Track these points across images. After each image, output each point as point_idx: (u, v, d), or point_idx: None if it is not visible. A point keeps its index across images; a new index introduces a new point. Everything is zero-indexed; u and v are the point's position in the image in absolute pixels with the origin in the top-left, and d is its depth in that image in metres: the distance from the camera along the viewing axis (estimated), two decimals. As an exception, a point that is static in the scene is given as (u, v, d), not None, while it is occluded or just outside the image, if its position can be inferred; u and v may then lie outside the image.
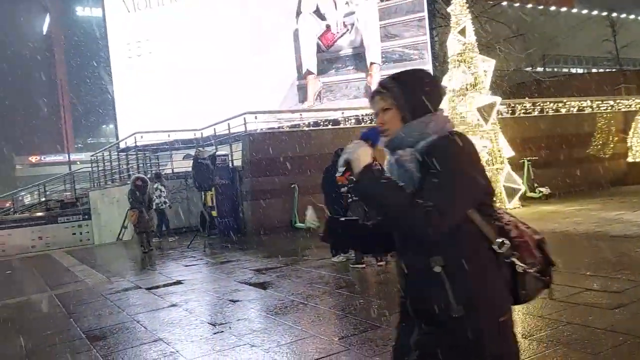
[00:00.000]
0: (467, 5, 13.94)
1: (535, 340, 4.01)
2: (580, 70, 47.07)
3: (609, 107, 18.74)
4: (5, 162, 58.36)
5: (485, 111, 12.95)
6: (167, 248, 12.06)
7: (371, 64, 18.85)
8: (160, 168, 17.55)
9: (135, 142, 16.71)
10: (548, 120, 17.03)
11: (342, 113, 16.00)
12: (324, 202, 7.92)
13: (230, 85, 18.73)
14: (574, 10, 48.50)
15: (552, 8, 41.80)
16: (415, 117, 1.76)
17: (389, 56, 18.94)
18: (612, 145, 18.06)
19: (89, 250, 14.45)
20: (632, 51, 35.31)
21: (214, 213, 13.21)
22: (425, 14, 18.81)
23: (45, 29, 68.70)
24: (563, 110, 17.76)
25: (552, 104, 17.66)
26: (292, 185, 12.62)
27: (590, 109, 18.33)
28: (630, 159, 18.09)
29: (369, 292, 6.31)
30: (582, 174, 16.46)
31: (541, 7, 38.06)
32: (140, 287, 7.67)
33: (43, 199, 21.61)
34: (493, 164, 12.94)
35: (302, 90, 19.38)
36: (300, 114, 15.67)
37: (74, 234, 17.84)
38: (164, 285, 7.62)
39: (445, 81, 14.07)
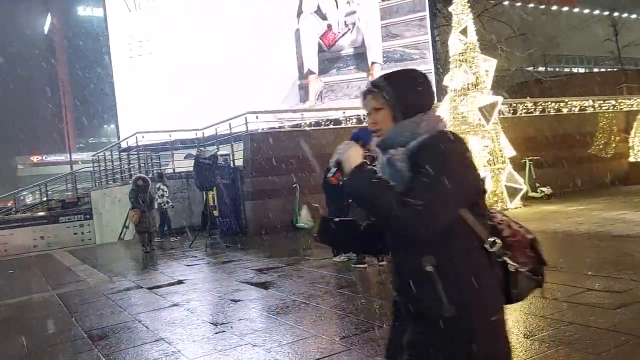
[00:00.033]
0: (469, 4, 13.92)
1: (537, 340, 4.01)
2: (581, 70, 47.07)
3: (611, 107, 18.72)
4: (7, 161, 58.46)
5: (486, 111, 12.95)
6: (169, 248, 12.07)
7: (372, 63, 18.85)
8: (162, 168, 17.55)
9: (137, 142, 16.72)
10: (550, 120, 17.02)
11: (344, 113, 15.99)
12: (325, 203, 7.91)
13: (232, 85, 18.72)
14: (576, 10, 48.47)
15: (554, 7, 41.79)
16: (406, 117, 1.76)
17: (390, 56, 18.94)
18: (613, 145, 18.03)
19: (91, 250, 14.46)
20: (634, 51, 35.25)
21: (216, 213, 13.22)
22: (427, 13, 18.81)
23: (46, 28, 68.79)
24: (565, 110, 17.74)
25: (553, 104, 17.64)
26: (294, 185, 12.62)
27: (592, 109, 18.32)
28: (632, 159, 18.06)
29: (371, 292, 6.31)
30: (583, 174, 16.44)
31: (543, 6, 38.04)
32: (142, 287, 7.67)
33: (45, 199, 21.65)
34: (494, 164, 12.93)
35: (304, 90, 19.38)
36: (302, 114, 15.67)
37: (76, 233, 17.86)
38: (166, 285, 7.62)
39: (446, 81, 14.07)
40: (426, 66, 18.73)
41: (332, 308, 5.63)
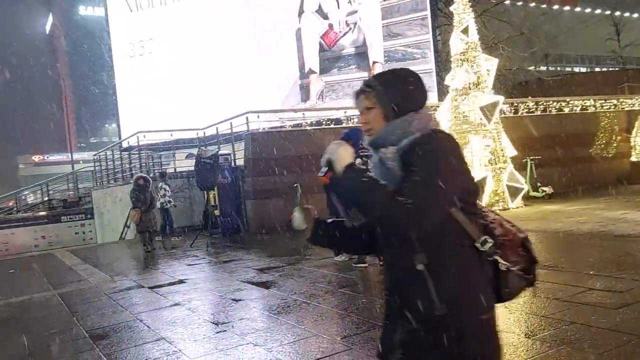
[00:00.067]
0: (470, 4, 13.91)
1: (538, 340, 4.00)
2: (583, 69, 47.04)
3: (612, 106, 18.69)
4: (8, 161, 58.52)
5: (488, 110, 12.93)
6: (170, 247, 12.07)
7: (374, 63, 18.84)
8: (163, 167, 17.56)
9: (138, 142, 16.72)
10: (551, 119, 17.00)
11: (345, 112, 15.98)
12: (326, 203, 7.91)
13: (233, 85, 18.72)
14: (577, 9, 48.44)
15: (555, 7, 41.77)
16: (398, 116, 1.77)
17: (391, 55, 18.93)
18: (615, 145, 18.01)
19: (92, 250, 14.48)
20: (636, 50, 35.22)
21: (217, 212, 13.21)
22: (428, 12, 18.80)
23: (47, 28, 68.84)
24: (566, 110, 17.72)
25: (555, 103, 17.61)
26: (295, 185, 12.62)
27: (594, 108, 18.29)
28: (633, 158, 18.03)
29: (372, 292, 6.30)
30: (585, 174, 16.42)
31: (544, 5, 37.99)
32: (143, 286, 7.67)
33: (46, 198, 21.68)
34: (496, 163, 12.92)
35: (305, 90, 19.37)
36: (303, 113, 15.66)
37: (77, 233, 17.89)
38: (167, 285, 7.62)
39: (448, 80, 14.06)
40: (427, 65, 18.74)
41: (333, 307, 5.63)
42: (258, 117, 14.08)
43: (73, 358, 4.71)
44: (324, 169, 1.76)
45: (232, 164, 13.68)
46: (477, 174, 12.56)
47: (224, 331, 5.04)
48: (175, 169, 16.58)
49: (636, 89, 23.35)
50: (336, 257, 8.12)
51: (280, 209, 12.78)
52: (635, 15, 48.02)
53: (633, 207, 11.28)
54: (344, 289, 6.37)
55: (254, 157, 13.14)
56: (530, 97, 18.23)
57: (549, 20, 34.50)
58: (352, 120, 15.62)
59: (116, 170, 18.70)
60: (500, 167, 12.92)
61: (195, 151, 14.41)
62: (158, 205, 13.05)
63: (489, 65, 13.67)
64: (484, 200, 12.59)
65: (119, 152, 18.89)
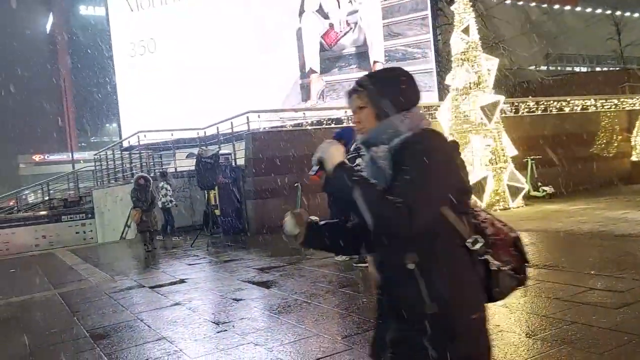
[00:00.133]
0: (471, 3, 13.91)
1: (539, 340, 4.00)
2: (584, 69, 46.97)
3: (613, 106, 18.68)
4: (8, 161, 58.55)
5: (488, 110, 12.93)
6: (171, 247, 12.08)
7: (374, 62, 18.83)
8: (164, 167, 17.56)
9: (139, 141, 16.73)
10: (552, 119, 16.99)
11: (345, 112, 15.96)
12: (327, 203, 7.91)
13: (233, 84, 18.72)
14: (578, 9, 48.35)
15: (556, 6, 41.69)
16: (389, 115, 1.77)
17: (392, 55, 18.92)
18: (616, 144, 18.00)
19: (93, 249, 14.48)
20: (637, 50, 35.14)
21: (217, 212, 13.22)
22: (429, 12, 18.79)
23: (48, 28, 68.86)
24: (567, 109, 17.71)
25: (555, 103, 17.60)
26: (295, 185, 12.62)
27: (594, 108, 18.28)
28: (634, 158, 18.02)
29: (372, 291, 6.29)
30: (586, 173, 16.42)
31: (545, 5, 37.97)
32: (144, 286, 7.67)
33: (47, 198, 21.69)
34: (496, 163, 12.92)
35: (305, 89, 19.37)
36: (304, 113, 15.66)
37: (78, 232, 17.89)
38: (168, 284, 7.62)
39: (448, 80, 14.07)
40: (428, 65, 18.74)
41: (334, 307, 5.62)
42: (259, 116, 14.08)
43: (74, 357, 4.71)
44: (315, 168, 1.76)
45: (233, 164, 13.68)
46: (477, 173, 12.57)
47: (224, 331, 5.04)
48: (175, 169, 16.57)
49: (637, 89, 23.33)
50: (337, 256, 8.12)
51: (281, 208, 12.76)
52: (636, 14, 47.95)
53: (634, 206, 11.28)
54: (345, 288, 6.37)
55: (255, 156, 13.14)
56: (530, 97, 18.24)
57: (549, 20, 34.51)
58: (352, 120, 15.62)
59: (117, 169, 18.70)
60: (500, 167, 12.92)
61: (195, 151, 14.44)
62: (159, 204, 13.08)
63: (490, 64, 13.68)
64: (485, 200, 12.59)
65: (119, 152, 18.90)
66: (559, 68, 43.84)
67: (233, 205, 13.18)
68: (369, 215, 1.64)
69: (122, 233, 15.53)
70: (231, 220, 13.10)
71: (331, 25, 19.25)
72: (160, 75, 20.30)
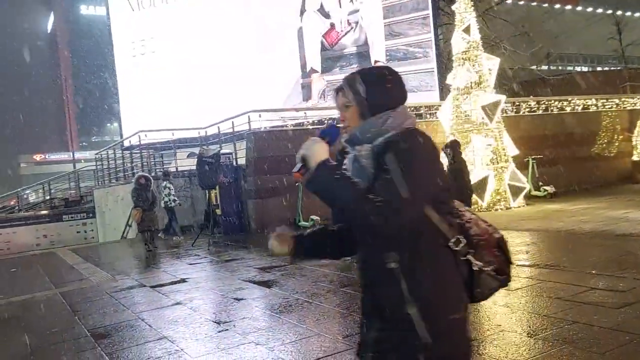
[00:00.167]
0: (472, 3, 13.90)
1: (540, 339, 4.00)
2: (585, 69, 46.96)
3: (614, 106, 18.67)
4: (9, 160, 58.58)
5: (489, 109, 12.93)
6: (172, 246, 12.08)
7: (375, 62, 18.82)
8: (165, 166, 17.57)
9: (140, 141, 16.74)
10: (553, 118, 16.98)
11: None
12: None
13: (234, 84, 18.72)
14: (579, 9, 48.38)
15: (557, 6, 41.69)
16: (374, 114, 1.76)
17: (393, 54, 18.92)
18: (617, 144, 17.99)
19: (94, 249, 14.48)
20: (638, 49, 35.14)
21: (218, 211, 13.22)
22: (430, 12, 18.78)
23: (49, 27, 68.89)
24: (568, 109, 17.70)
25: (556, 102, 17.60)
26: (296, 184, 12.62)
27: (595, 108, 18.27)
28: (635, 158, 18.00)
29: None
30: (587, 173, 16.40)
31: (546, 5, 37.95)
32: (145, 285, 7.68)
33: (48, 197, 21.71)
34: (497, 163, 12.91)
35: (306, 89, 19.37)
36: (305, 113, 15.66)
37: (79, 232, 17.90)
38: (169, 284, 7.62)
39: (449, 79, 14.07)
40: (429, 65, 18.73)
41: (335, 307, 5.62)
42: (260, 116, 14.08)
43: (75, 357, 4.71)
44: (298, 165, 1.75)
45: (234, 163, 13.68)
46: (479, 173, 12.57)
47: (225, 330, 5.04)
48: (176, 168, 16.58)
49: (638, 88, 23.31)
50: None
51: (282, 208, 12.80)
52: (637, 14, 47.96)
53: (635, 206, 11.27)
54: (346, 288, 6.37)
55: (256, 156, 13.14)
56: (531, 96, 18.23)
57: (550, 20, 34.47)
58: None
59: (118, 169, 18.71)
60: (502, 167, 12.91)
61: (196, 150, 14.44)
62: (162, 204, 13.11)
63: (491, 64, 13.67)
64: (486, 200, 12.59)
65: (120, 151, 18.91)
66: (560, 67, 43.84)
67: (234, 204, 13.19)
68: (350, 214, 1.65)
69: (123, 232, 15.54)
70: (232, 220, 13.11)
71: (332, 25, 19.25)
72: (161, 74, 20.31)
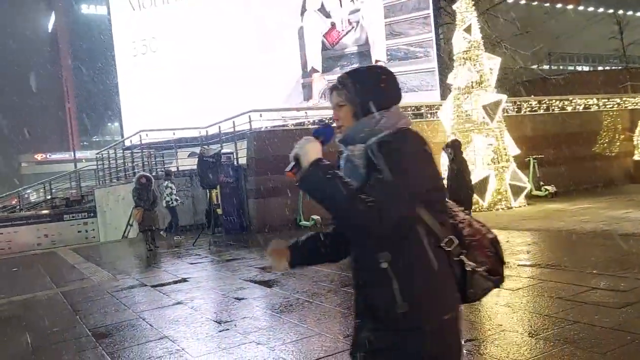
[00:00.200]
0: (473, 2, 13.89)
1: (541, 339, 3.99)
2: (586, 68, 46.94)
3: (615, 105, 18.66)
4: (10, 160, 58.62)
5: (490, 109, 12.92)
6: (173, 246, 12.08)
7: (376, 61, 18.82)
8: (166, 166, 17.58)
9: (141, 140, 16.75)
10: (554, 118, 16.97)
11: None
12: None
13: (235, 83, 18.74)
14: (581, 8, 48.29)
15: (558, 5, 41.68)
16: (367, 113, 1.76)
17: (394, 54, 18.91)
18: (618, 143, 17.97)
19: (95, 248, 14.49)
20: (639, 49, 35.09)
21: (219, 211, 13.23)
22: (431, 11, 18.78)
23: (50, 27, 68.92)
24: (569, 108, 17.68)
25: (558, 102, 17.58)
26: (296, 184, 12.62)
27: (597, 107, 18.25)
28: (636, 157, 17.99)
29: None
30: (588, 172, 16.39)
31: (547, 4, 37.92)
32: (146, 285, 7.68)
33: (49, 197, 21.72)
34: (498, 162, 12.91)
35: (307, 88, 19.37)
36: (305, 112, 15.67)
37: (80, 231, 17.91)
38: (170, 283, 7.63)
39: (450, 79, 14.06)
40: (430, 64, 18.72)
41: (335, 306, 5.62)
42: (260, 115, 14.08)
43: (76, 356, 4.71)
44: (291, 164, 1.74)
45: (235, 163, 13.68)
46: (480, 172, 12.56)
47: (226, 330, 5.04)
48: (177, 168, 16.59)
49: (639, 88, 23.29)
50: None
51: (283, 207, 12.80)
52: (639, 14, 47.87)
53: (636, 206, 11.26)
54: (347, 287, 6.36)
55: (257, 156, 13.14)
56: (533, 96, 18.20)
57: (551, 19, 34.45)
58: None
59: (119, 168, 18.72)
60: (503, 166, 12.91)
61: (197, 150, 14.44)
62: (164, 203, 13.13)
63: (492, 63, 13.66)
64: (487, 199, 12.59)
65: (121, 151, 18.93)
66: (561, 67, 43.81)
67: (235, 204, 13.20)
68: (341, 213, 1.65)
69: (124, 232, 15.55)
70: (233, 219, 13.11)
71: (333, 24, 19.25)
72: (162, 74, 20.32)
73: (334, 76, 19.04)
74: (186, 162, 16.56)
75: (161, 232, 13.13)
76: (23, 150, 60.41)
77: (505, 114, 14.70)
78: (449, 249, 1.71)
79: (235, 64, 19.17)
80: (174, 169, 16.40)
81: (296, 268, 2.05)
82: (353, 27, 19.16)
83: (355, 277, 1.83)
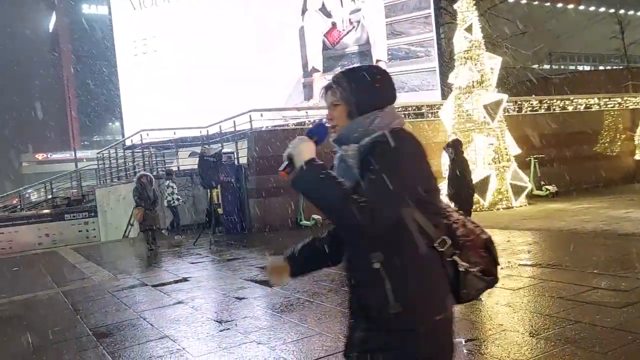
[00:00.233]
0: (474, 2, 13.89)
1: (542, 339, 3.99)
2: (587, 68, 46.90)
3: (616, 105, 18.65)
4: (12, 159, 58.65)
5: (491, 108, 12.91)
6: (173, 245, 12.09)
7: (377, 61, 18.81)
8: (166, 165, 17.59)
9: (141, 140, 16.75)
10: (555, 117, 16.95)
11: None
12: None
13: (236, 83, 18.72)
14: (581, 7, 48.27)
15: (559, 5, 41.66)
16: (361, 113, 1.75)
17: (395, 53, 18.91)
18: (619, 143, 17.96)
19: (95, 248, 14.49)
20: (640, 48, 35.12)
21: (220, 210, 13.23)
22: (432, 11, 18.77)
23: (51, 26, 68.94)
24: (570, 108, 17.67)
25: (559, 102, 17.58)
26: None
27: (598, 107, 18.24)
28: (637, 157, 17.98)
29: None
30: (589, 172, 16.38)
31: (548, 4, 37.89)
32: (147, 285, 7.68)
33: (50, 196, 21.72)
34: (499, 162, 12.90)
35: (308, 88, 19.36)
36: (306, 112, 15.66)
37: (81, 231, 17.91)
38: (170, 283, 7.63)
39: (451, 78, 14.05)
40: (431, 64, 18.72)
41: (336, 306, 5.61)
42: (261, 115, 14.07)
43: (77, 356, 4.71)
44: (284, 164, 1.73)
45: (235, 163, 13.68)
46: (480, 172, 12.55)
47: (227, 329, 5.04)
48: (178, 167, 16.59)
49: (640, 88, 23.28)
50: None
51: (284, 207, 12.80)
52: (640, 13, 47.85)
53: (637, 205, 11.25)
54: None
55: (257, 155, 13.14)
56: (534, 96, 18.20)
57: (552, 19, 34.43)
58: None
59: (119, 168, 18.73)
60: (503, 166, 12.90)
61: (198, 149, 14.44)
62: (165, 203, 13.14)
63: (493, 63, 13.66)
64: (488, 199, 12.58)
65: (122, 150, 18.94)
66: (562, 67, 43.79)
67: (236, 203, 13.20)
68: (334, 213, 1.64)
69: (125, 231, 15.56)
70: (234, 219, 13.11)
71: (334, 24, 19.24)
72: (162, 73, 20.31)
73: (334, 76, 19.18)
74: (187, 161, 16.56)
75: (163, 231, 13.14)
76: (24, 150, 60.43)
77: (506, 114, 14.69)
78: (441, 249, 1.70)
79: (236, 63, 19.16)
80: (174, 169, 16.41)
81: (297, 277, 2.06)
82: (354, 27, 19.15)
83: (349, 277, 1.83)
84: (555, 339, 3.97)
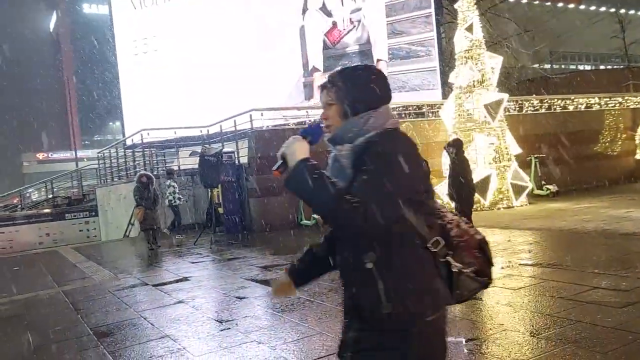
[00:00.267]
0: (475, 1, 13.88)
1: (543, 339, 3.99)
2: (588, 67, 46.87)
3: (617, 104, 18.64)
4: (12, 159, 58.67)
5: (492, 108, 12.91)
6: (174, 245, 12.09)
7: (378, 60, 18.81)
8: (167, 165, 17.59)
9: (142, 139, 16.75)
10: (555, 117, 16.95)
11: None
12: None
13: (237, 82, 18.72)
14: (582, 7, 48.23)
15: (560, 4, 41.64)
16: (355, 113, 1.75)
17: (395, 53, 18.90)
18: (620, 143, 17.96)
19: (96, 247, 14.49)
20: (640, 48, 35.11)
21: (220, 210, 13.24)
22: (432, 10, 18.77)
23: (51, 26, 68.96)
24: (571, 108, 17.67)
25: (559, 101, 17.57)
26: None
27: (598, 106, 18.24)
28: (638, 156, 17.97)
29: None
30: (589, 172, 16.38)
31: (549, 3, 37.88)
32: (147, 284, 7.68)
33: (50, 196, 21.74)
34: (500, 161, 12.90)
35: (308, 87, 19.36)
36: (307, 111, 15.67)
37: (81, 230, 17.92)
38: (171, 282, 7.63)
39: (452, 78, 14.05)
40: (432, 63, 18.71)
41: (337, 305, 5.61)
42: (262, 114, 14.08)
43: (77, 355, 4.71)
44: (278, 163, 1.74)
45: (236, 162, 13.68)
46: (481, 171, 12.55)
47: (227, 329, 5.04)
48: (179, 167, 16.60)
49: (641, 87, 23.27)
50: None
51: (284, 207, 12.80)
52: (641, 12, 47.80)
53: (638, 205, 11.25)
54: (348, 287, 6.36)
55: (258, 155, 13.14)
56: (534, 95, 18.20)
57: (553, 18, 34.41)
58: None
59: (120, 167, 18.74)
60: (504, 165, 12.90)
61: (199, 149, 14.44)
62: (167, 202, 13.15)
63: (494, 62, 13.65)
64: (488, 198, 12.58)
65: (122, 150, 18.94)
66: (562, 66, 43.78)
67: (236, 203, 13.20)
68: (327, 213, 1.64)
69: (126, 231, 15.56)
70: (234, 219, 13.11)
71: (334, 23, 19.23)
72: (163, 73, 20.31)
73: (335, 75, 19.17)
74: (187, 161, 16.56)
75: (164, 231, 13.15)
76: (25, 149, 60.46)
77: (507, 113, 14.68)
78: (435, 250, 1.69)
79: (237, 62, 19.16)
80: (175, 168, 16.41)
81: (302, 288, 2.07)
82: (354, 26, 19.15)
83: (343, 276, 1.83)
84: (556, 338, 3.97)
